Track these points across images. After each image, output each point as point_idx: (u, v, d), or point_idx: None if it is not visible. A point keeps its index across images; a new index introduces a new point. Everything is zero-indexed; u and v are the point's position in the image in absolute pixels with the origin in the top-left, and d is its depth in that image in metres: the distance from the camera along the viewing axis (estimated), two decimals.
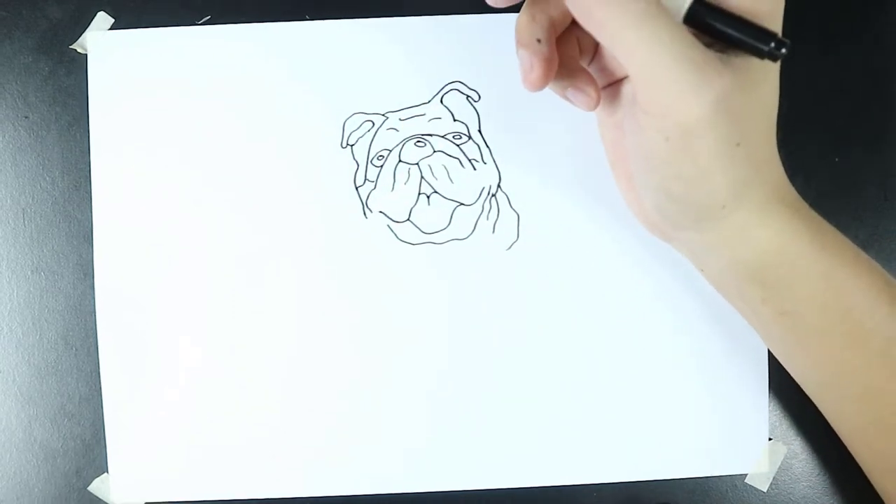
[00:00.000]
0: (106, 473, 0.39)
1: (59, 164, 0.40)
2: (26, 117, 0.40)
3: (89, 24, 0.40)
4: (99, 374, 0.39)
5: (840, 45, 0.40)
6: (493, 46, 0.39)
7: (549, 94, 0.34)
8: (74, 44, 0.40)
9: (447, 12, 0.40)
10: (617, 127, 0.35)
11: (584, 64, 0.35)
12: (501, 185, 0.39)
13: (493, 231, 0.39)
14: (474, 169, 0.39)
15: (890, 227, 0.40)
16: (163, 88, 0.40)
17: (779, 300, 0.32)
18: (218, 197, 0.39)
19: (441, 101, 0.39)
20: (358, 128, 0.39)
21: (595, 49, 0.35)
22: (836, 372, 0.33)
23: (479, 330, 0.39)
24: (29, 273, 0.40)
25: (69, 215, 0.40)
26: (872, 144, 0.40)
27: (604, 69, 0.35)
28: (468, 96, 0.40)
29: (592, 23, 0.28)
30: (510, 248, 0.39)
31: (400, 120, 0.39)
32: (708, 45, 0.29)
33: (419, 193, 0.39)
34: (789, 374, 0.35)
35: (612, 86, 0.35)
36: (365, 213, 0.39)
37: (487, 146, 0.39)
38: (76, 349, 0.39)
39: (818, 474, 0.39)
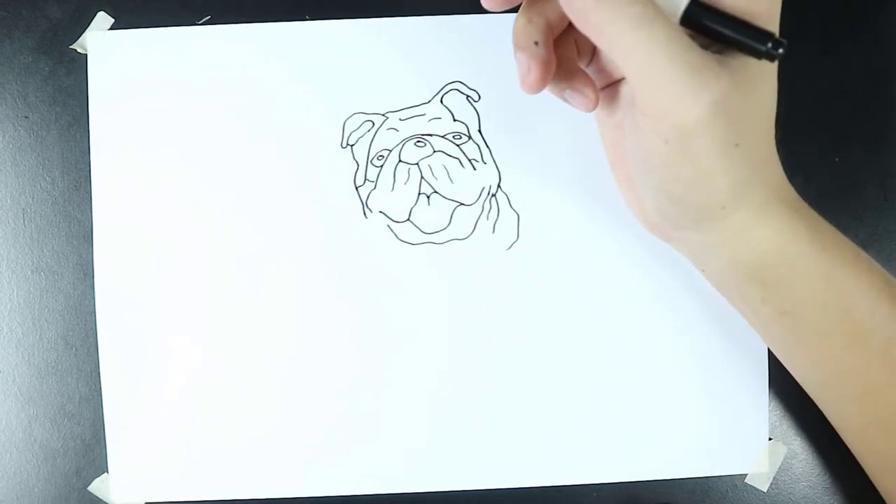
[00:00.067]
0: (106, 473, 0.39)
1: (59, 164, 0.40)
2: (26, 117, 0.40)
3: (89, 24, 0.40)
4: (99, 374, 0.39)
5: (840, 45, 0.40)
6: (493, 46, 0.39)
7: (549, 95, 0.34)
8: (74, 44, 0.40)
9: (447, 12, 0.40)
10: (616, 127, 0.35)
11: (582, 65, 0.35)
12: (501, 185, 0.39)
13: (493, 231, 0.39)
14: (474, 169, 0.39)
15: (890, 227, 0.40)
16: (163, 88, 0.40)
17: (779, 300, 0.32)
18: (218, 197, 0.39)
19: (441, 101, 0.39)
20: (358, 128, 0.39)
21: (593, 50, 0.35)
22: (836, 372, 0.33)
23: (479, 330, 0.39)
24: (29, 273, 0.40)
25: (69, 215, 0.40)
26: (872, 144, 0.40)
27: (602, 70, 0.35)
28: (468, 96, 0.40)
29: (589, 26, 0.28)
30: (510, 248, 0.39)
31: (400, 120, 0.39)
32: (705, 47, 0.29)
33: (419, 193, 0.39)
34: (789, 374, 0.35)
35: (611, 87, 0.35)
36: (365, 213, 0.39)
37: (487, 146, 0.39)
38: (76, 349, 0.39)
39: (818, 474, 0.39)
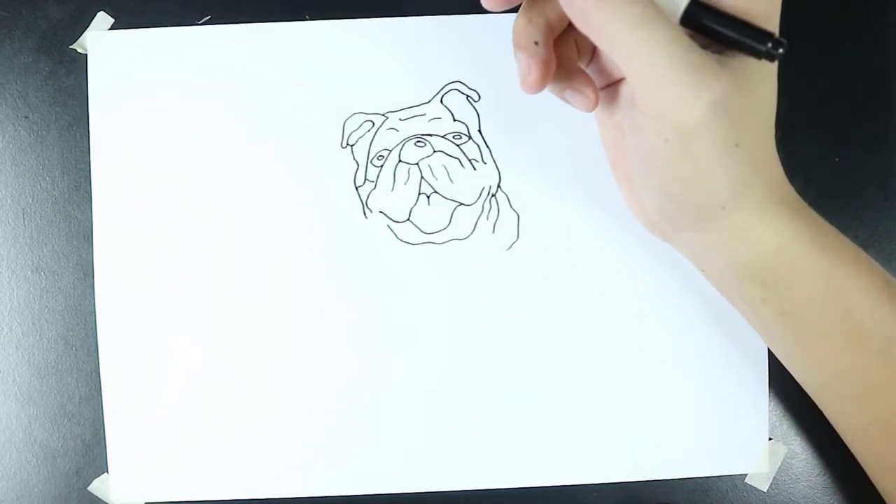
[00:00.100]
0: (106, 473, 0.39)
1: (59, 164, 0.40)
2: (26, 117, 0.40)
3: (89, 24, 0.40)
4: (99, 374, 0.39)
5: (840, 45, 0.40)
6: (493, 46, 0.39)
7: (549, 95, 0.34)
8: (74, 44, 0.40)
9: (447, 12, 0.40)
10: (617, 127, 0.35)
11: (582, 65, 0.35)
12: (501, 185, 0.39)
13: (493, 231, 0.39)
14: (474, 169, 0.39)
15: (890, 227, 0.40)
16: (163, 88, 0.40)
17: (779, 300, 0.32)
18: (218, 197, 0.39)
19: (441, 101, 0.39)
20: (358, 128, 0.39)
21: (593, 50, 0.35)
22: (836, 372, 0.33)
23: (479, 330, 0.39)
24: (29, 273, 0.40)
25: (69, 215, 0.40)
26: (872, 144, 0.40)
27: (602, 70, 0.35)
28: (468, 96, 0.40)
29: (589, 26, 0.28)
30: (510, 248, 0.39)
31: (400, 120, 0.39)
32: (705, 47, 0.29)
33: (419, 193, 0.39)
34: (789, 374, 0.35)
35: (611, 86, 0.35)
36: (365, 213, 0.39)
37: (487, 146, 0.39)
38: (76, 349, 0.39)
39: (818, 474, 0.39)
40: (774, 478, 0.39)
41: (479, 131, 0.40)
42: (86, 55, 0.40)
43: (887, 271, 0.33)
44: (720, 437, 0.39)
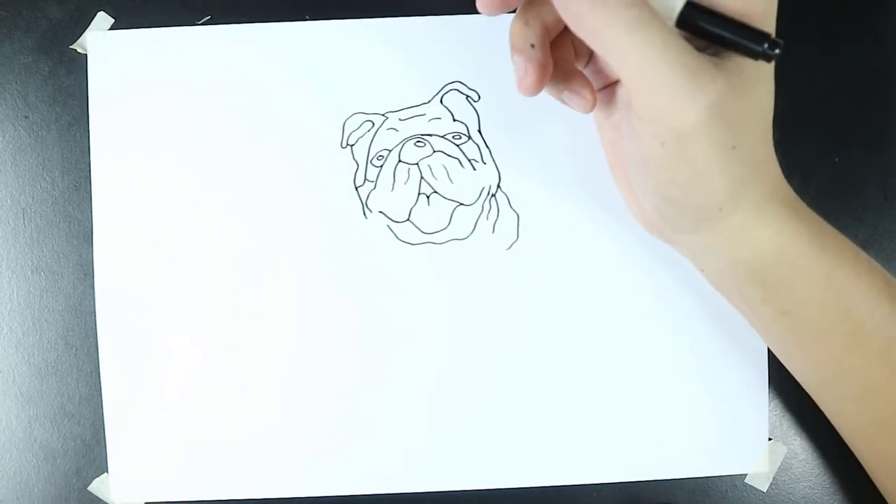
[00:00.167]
0: (106, 473, 0.39)
1: (59, 164, 0.40)
2: (26, 117, 0.40)
3: (89, 24, 0.40)
4: (99, 374, 0.39)
5: (840, 45, 0.40)
6: (493, 46, 0.39)
7: (549, 95, 0.34)
8: (74, 44, 0.40)
9: (447, 12, 0.40)
10: (615, 128, 0.35)
11: (579, 66, 0.35)
12: (501, 185, 0.39)
13: (493, 231, 0.39)
14: (474, 169, 0.39)
15: (890, 227, 0.40)
16: (163, 88, 0.40)
17: (779, 300, 0.32)
18: (218, 197, 0.39)
19: (441, 101, 0.39)
20: (358, 128, 0.39)
21: (591, 52, 0.35)
22: (836, 372, 0.33)
23: (479, 330, 0.39)
24: (29, 273, 0.40)
25: (69, 215, 0.40)
26: (872, 144, 0.40)
27: (600, 72, 0.35)
28: (468, 96, 0.40)
29: (584, 30, 0.28)
30: (510, 248, 0.39)
31: (400, 120, 0.39)
32: (701, 50, 0.29)
33: (419, 193, 0.39)
34: (789, 374, 0.35)
35: (609, 87, 0.35)
36: (365, 213, 0.39)
37: (487, 146, 0.39)
38: (76, 349, 0.39)
39: (818, 474, 0.39)
40: (774, 478, 0.39)
41: (479, 131, 0.40)
42: (86, 55, 0.40)
43: (887, 271, 0.33)
44: (720, 436, 0.39)
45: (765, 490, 0.39)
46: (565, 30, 0.33)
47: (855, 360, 0.32)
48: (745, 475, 0.39)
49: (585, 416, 0.39)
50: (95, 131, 0.40)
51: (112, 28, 0.40)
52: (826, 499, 0.39)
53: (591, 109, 0.34)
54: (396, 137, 0.39)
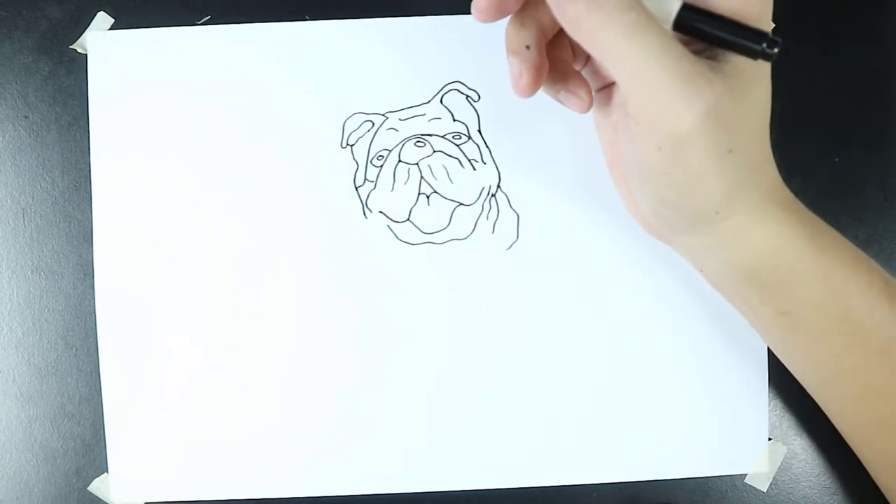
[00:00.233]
0: (106, 473, 0.39)
1: (59, 164, 0.40)
2: (26, 117, 0.40)
3: (89, 24, 0.40)
4: (99, 374, 0.39)
5: (840, 45, 0.40)
6: (493, 46, 0.39)
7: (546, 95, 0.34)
8: (74, 44, 0.40)
9: (447, 12, 0.40)
10: (613, 129, 0.35)
11: (577, 67, 0.35)
12: (501, 185, 0.39)
13: (493, 231, 0.39)
14: (474, 169, 0.39)
15: (890, 227, 0.40)
16: (163, 88, 0.40)
17: (778, 301, 0.32)
18: (218, 197, 0.39)
19: (441, 101, 0.39)
20: (358, 128, 0.39)
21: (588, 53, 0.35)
22: (836, 372, 0.33)
23: (479, 330, 0.39)
24: (29, 273, 0.40)
25: (69, 215, 0.40)
26: (872, 144, 0.40)
27: (597, 72, 0.35)
28: (468, 96, 0.40)
29: (581, 34, 0.28)
30: (510, 248, 0.39)
31: (400, 120, 0.39)
32: (698, 52, 0.29)
33: (419, 193, 0.39)
34: (789, 374, 0.35)
35: (607, 88, 0.35)
36: (365, 213, 0.39)
37: (487, 146, 0.39)
38: (76, 349, 0.39)
39: (818, 474, 0.39)
40: (774, 478, 0.39)
41: (479, 131, 0.40)
42: (86, 55, 0.40)
43: (887, 271, 0.33)
44: (720, 437, 0.39)
45: (765, 490, 0.39)
46: (562, 30, 0.33)
47: (855, 359, 0.32)
48: (745, 475, 0.39)
49: (585, 416, 0.39)
50: (95, 131, 0.40)
51: (112, 28, 0.40)
52: (826, 499, 0.39)
53: (588, 110, 0.34)
54: (396, 137, 0.39)
